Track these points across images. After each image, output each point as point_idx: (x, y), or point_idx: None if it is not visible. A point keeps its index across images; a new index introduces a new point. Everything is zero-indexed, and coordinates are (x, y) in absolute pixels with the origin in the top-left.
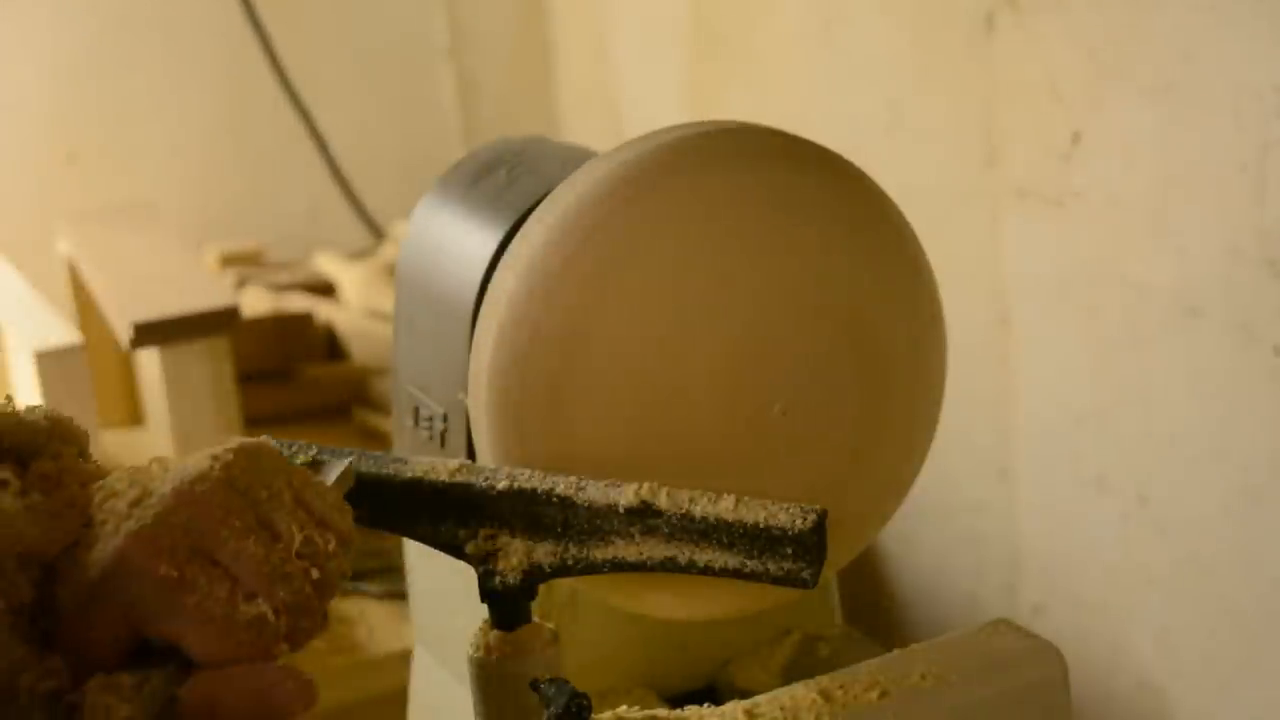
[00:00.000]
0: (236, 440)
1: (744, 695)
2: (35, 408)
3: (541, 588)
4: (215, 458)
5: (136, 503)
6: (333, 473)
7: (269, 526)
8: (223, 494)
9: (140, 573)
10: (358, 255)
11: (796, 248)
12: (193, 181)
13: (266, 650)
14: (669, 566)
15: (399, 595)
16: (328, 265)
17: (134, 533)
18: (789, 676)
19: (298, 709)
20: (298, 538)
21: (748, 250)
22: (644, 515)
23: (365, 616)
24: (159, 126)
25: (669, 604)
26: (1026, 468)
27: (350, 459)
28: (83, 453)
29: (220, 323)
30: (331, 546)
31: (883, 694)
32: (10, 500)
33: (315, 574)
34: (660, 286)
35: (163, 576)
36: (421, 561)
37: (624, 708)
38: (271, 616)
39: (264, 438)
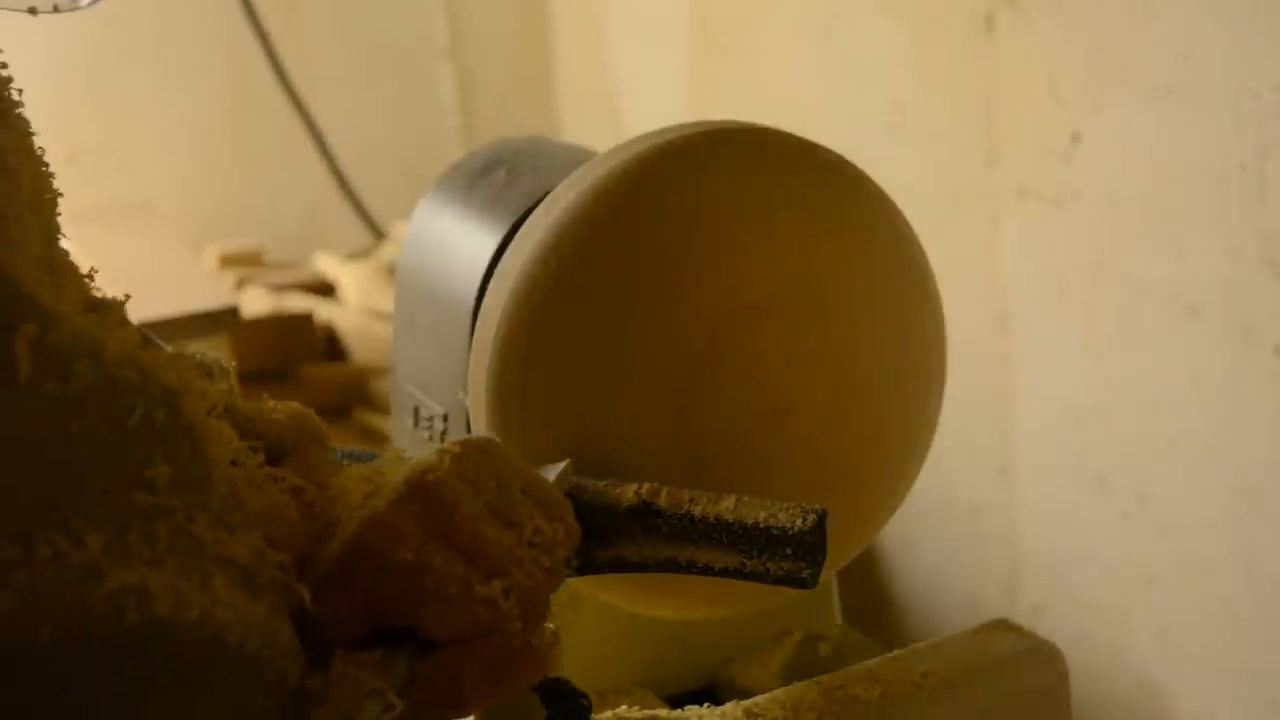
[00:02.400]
0: (464, 436)
1: (744, 695)
2: (281, 405)
3: None
4: (444, 451)
5: (371, 494)
6: (552, 471)
7: (500, 515)
8: (453, 482)
9: (377, 557)
10: (358, 255)
11: (796, 248)
12: (193, 181)
13: (501, 629)
14: (669, 566)
15: None
16: (328, 265)
17: (369, 519)
18: (789, 676)
19: (536, 674)
20: (529, 526)
21: (747, 250)
22: (644, 515)
23: None
24: (159, 126)
25: (669, 604)
26: (1026, 468)
27: (569, 460)
28: (323, 450)
29: (220, 323)
30: (560, 536)
31: (883, 694)
32: (288, 506)
33: (545, 562)
34: (660, 286)
35: (399, 560)
36: None
37: (624, 708)
38: (504, 598)
39: (490, 435)
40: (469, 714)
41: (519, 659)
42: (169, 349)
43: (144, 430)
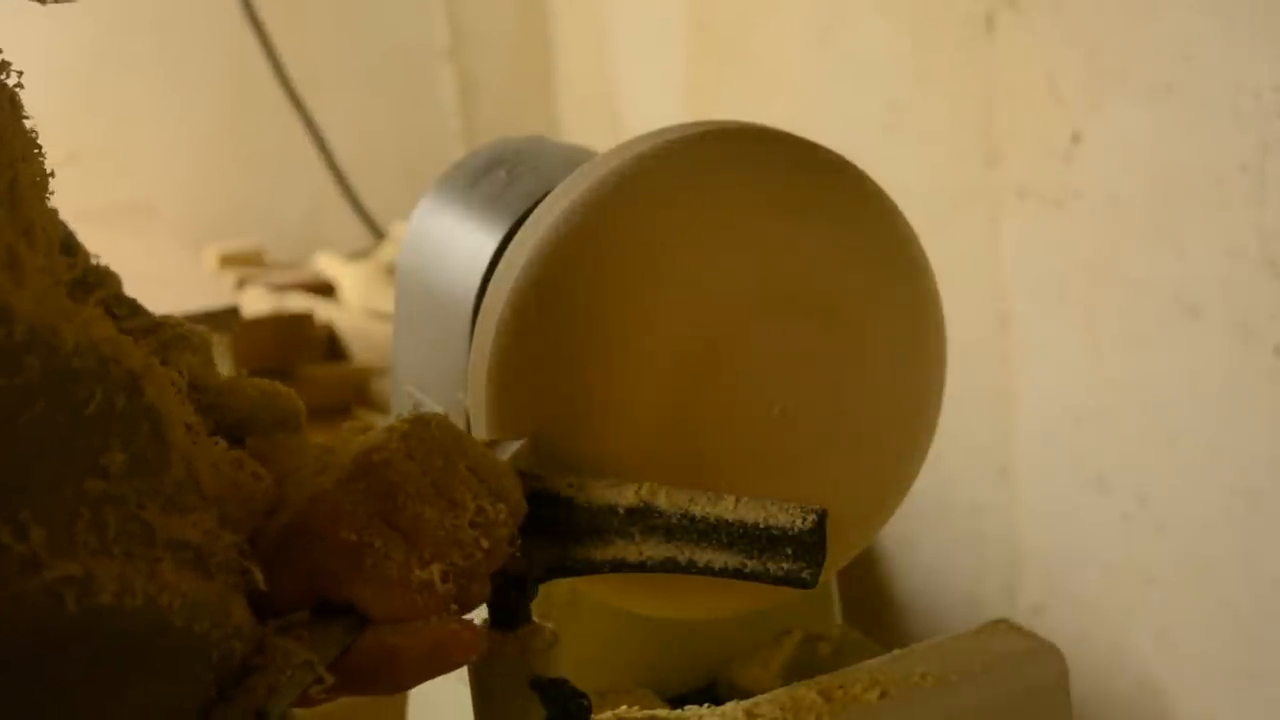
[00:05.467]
0: (413, 412)
1: (744, 695)
2: (256, 381)
3: (541, 588)
4: (392, 429)
5: (319, 472)
6: (507, 449)
7: (444, 494)
8: (400, 462)
9: (320, 537)
10: (358, 255)
11: (796, 248)
12: (193, 182)
13: (439, 611)
14: (669, 566)
15: None
16: (328, 265)
17: (314, 499)
18: (789, 676)
19: (471, 655)
20: (471, 506)
21: (747, 250)
22: (644, 515)
23: None
24: (159, 127)
25: (669, 604)
26: (1026, 468)
27: (524, 440)
28: (294, 431)
29: (220, 323)
30: (502, 516)
31: (883, 694)
32: (247, 486)
33: (485, 543)
34: (659, 287)
35: (342, 540)
36: None
37: (624, 708)
38: (442, 581)
39: (440, 410)
40: (403, 690)
41: (455, 640)
42: (154, 316)
43: (102, 417)
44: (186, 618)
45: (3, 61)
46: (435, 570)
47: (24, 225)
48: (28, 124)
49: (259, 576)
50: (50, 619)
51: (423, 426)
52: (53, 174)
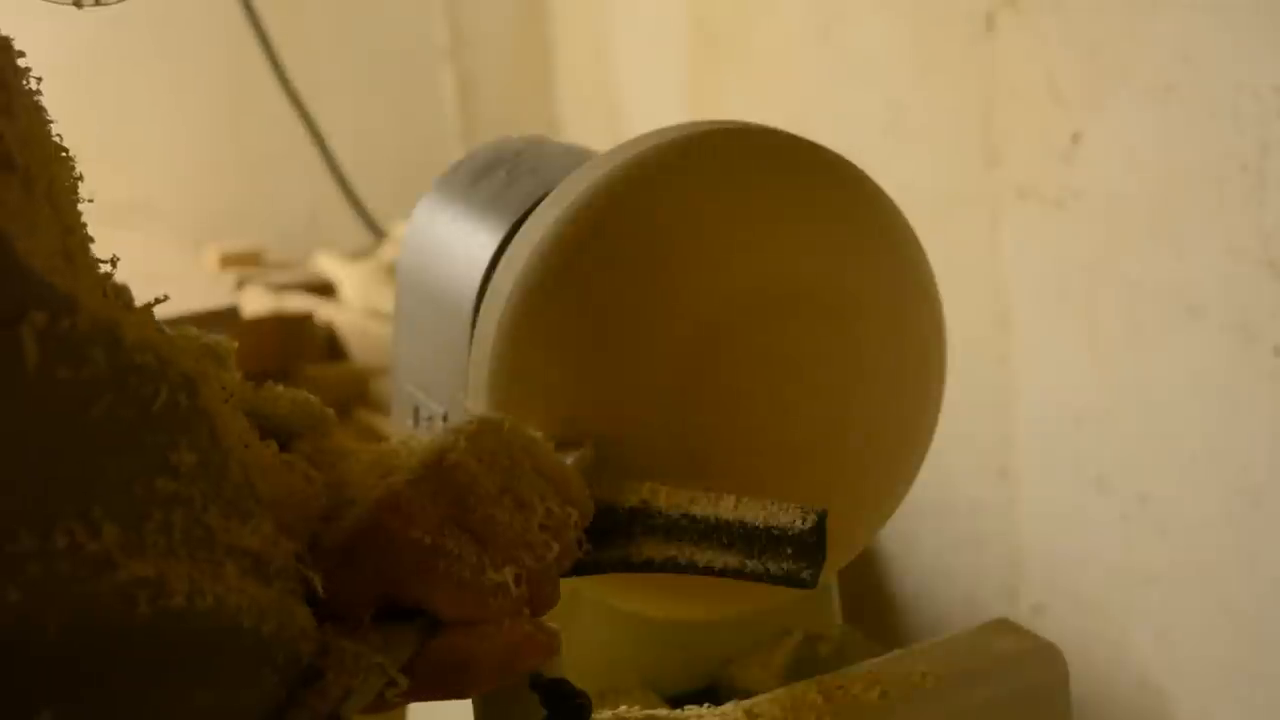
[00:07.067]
0: (478, 415)
1: (744, 695)
2: (285, 390)
3: None
4: (458, 431)
5: (385, 475)
6: (569, 455)
7: (512, 496)
8: (469, 463)
9: (393, 538)
10: (358, 255)
11: (796, 248)
12: (193, 181)
13: (512, 614)
14: (669, 566)
15: None
16: (328, 265)
17: (385, 499)
18: (789, 676)
19: (546, 658)
20: (540, 509)
21: (747, 250)
22: (644, 515)
23: None
24: (159, 126)
25: (669, 604)
26: (1026, 468)
27: (586, 446)
28: (327, 435)
29: (220, 323)
30: (573, 519)
31: (883, 694)
32: (301, 490)
33: (556, 547)
34: (659, 286)
35: (415, 541)
36: None
37: (624, 708)
38: (514, 583)
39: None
40: (474, 695)
41: (529, 643)
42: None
43: (168, 414)
44: (255, 619)
45: (25, 67)
46: (509, 573)
47: (69, 225)
48: (53, 129)
49: (318, 584)
50: (121, 621)
51: (490, 428)
52: (81, 178)
